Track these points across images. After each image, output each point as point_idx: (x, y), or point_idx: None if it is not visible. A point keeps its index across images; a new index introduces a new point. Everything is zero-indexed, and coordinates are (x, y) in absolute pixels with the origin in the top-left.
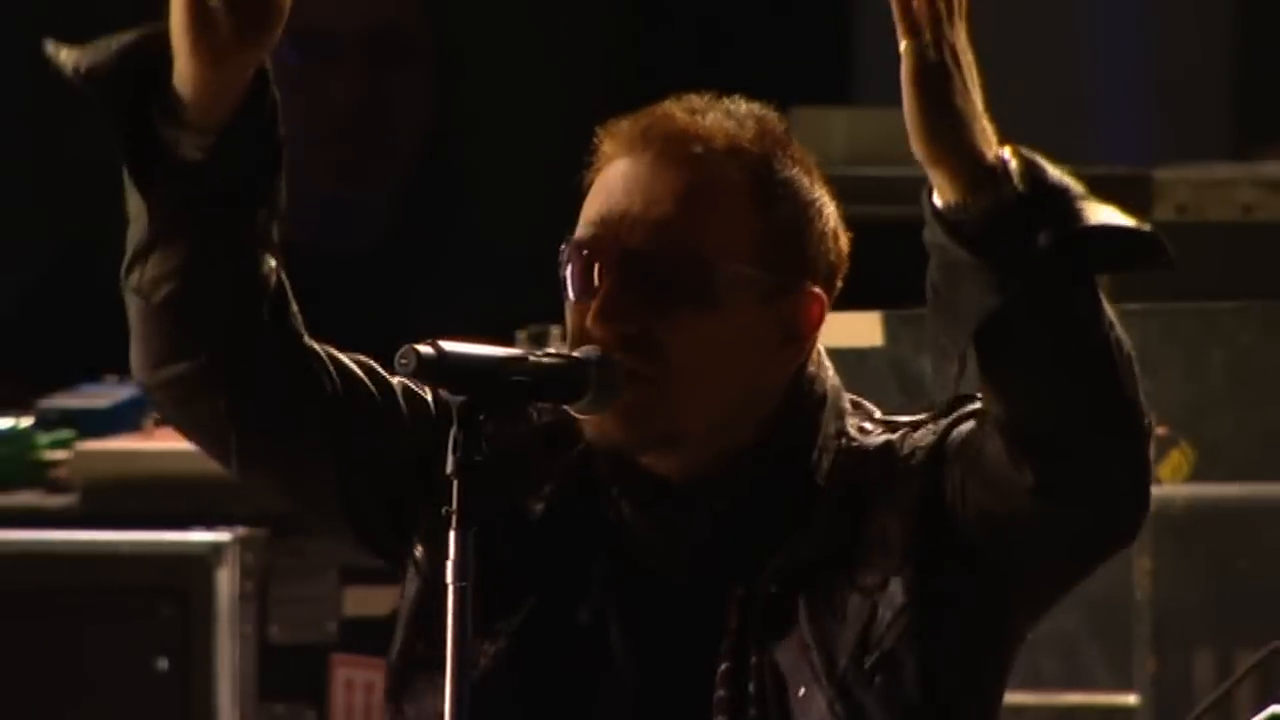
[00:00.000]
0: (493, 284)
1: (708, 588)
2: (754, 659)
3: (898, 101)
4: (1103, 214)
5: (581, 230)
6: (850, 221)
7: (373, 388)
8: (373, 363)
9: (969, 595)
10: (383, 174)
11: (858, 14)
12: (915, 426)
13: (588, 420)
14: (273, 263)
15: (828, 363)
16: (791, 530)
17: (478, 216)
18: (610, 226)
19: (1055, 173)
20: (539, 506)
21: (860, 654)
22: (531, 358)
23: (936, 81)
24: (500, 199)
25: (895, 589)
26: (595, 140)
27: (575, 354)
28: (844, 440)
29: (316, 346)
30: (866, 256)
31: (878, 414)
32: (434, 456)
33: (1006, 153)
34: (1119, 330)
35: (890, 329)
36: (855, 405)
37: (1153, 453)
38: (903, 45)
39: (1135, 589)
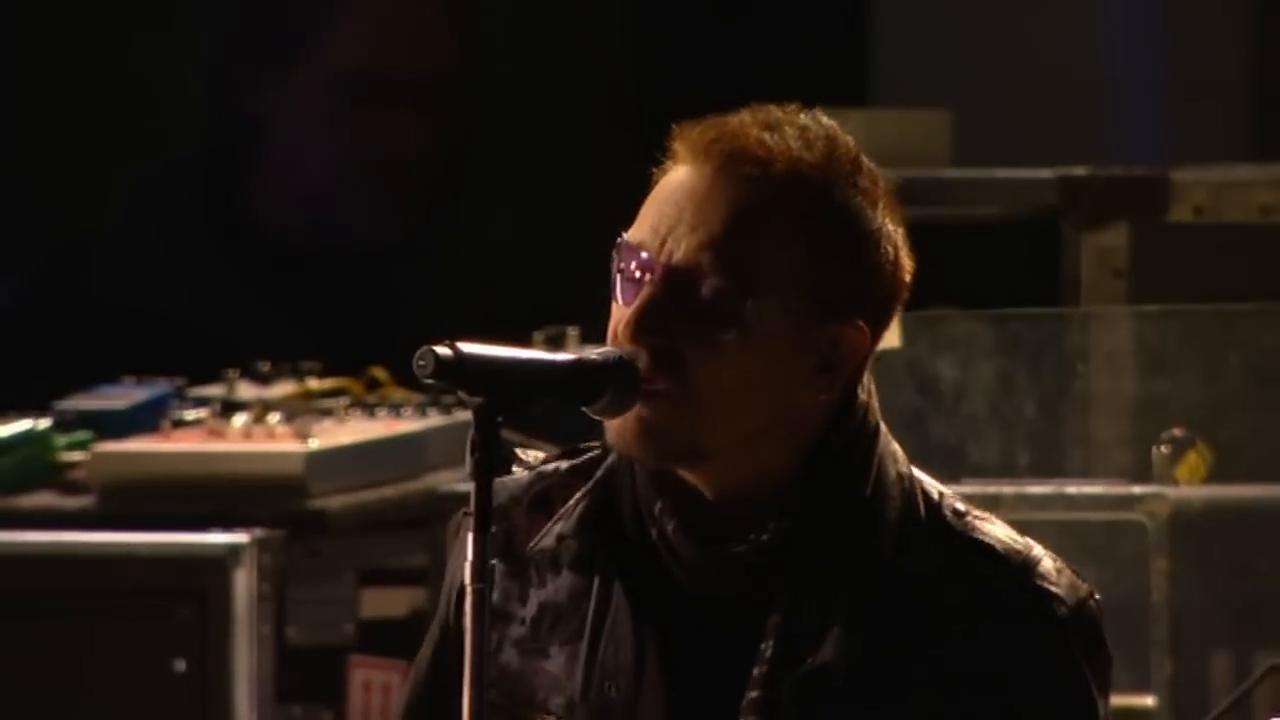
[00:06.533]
0: (510, 285)
1: (744, 610)
2: (786, 693)
3: (915, 103)
4: None
5: (634, 234)
6: None
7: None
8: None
9: None
10: (404, 171)
11: (875, 16)
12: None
13: (610, 429)
14: None
15: (875, 397)
16: (840, 560)
17: (496, 217)
18: (658, 237)
19: None
20: (560, 529)
21: None
22: (549, 359)
23: None
24: (518, 201)
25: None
26: (669, 138)
27: (594, 356)
28: (929, 501)
29: None
30: None
31: (960, 504)
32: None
33: None
34: None
35: (908, 330)
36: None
37: (1172, 454)
38: None
39: (1152, 590)
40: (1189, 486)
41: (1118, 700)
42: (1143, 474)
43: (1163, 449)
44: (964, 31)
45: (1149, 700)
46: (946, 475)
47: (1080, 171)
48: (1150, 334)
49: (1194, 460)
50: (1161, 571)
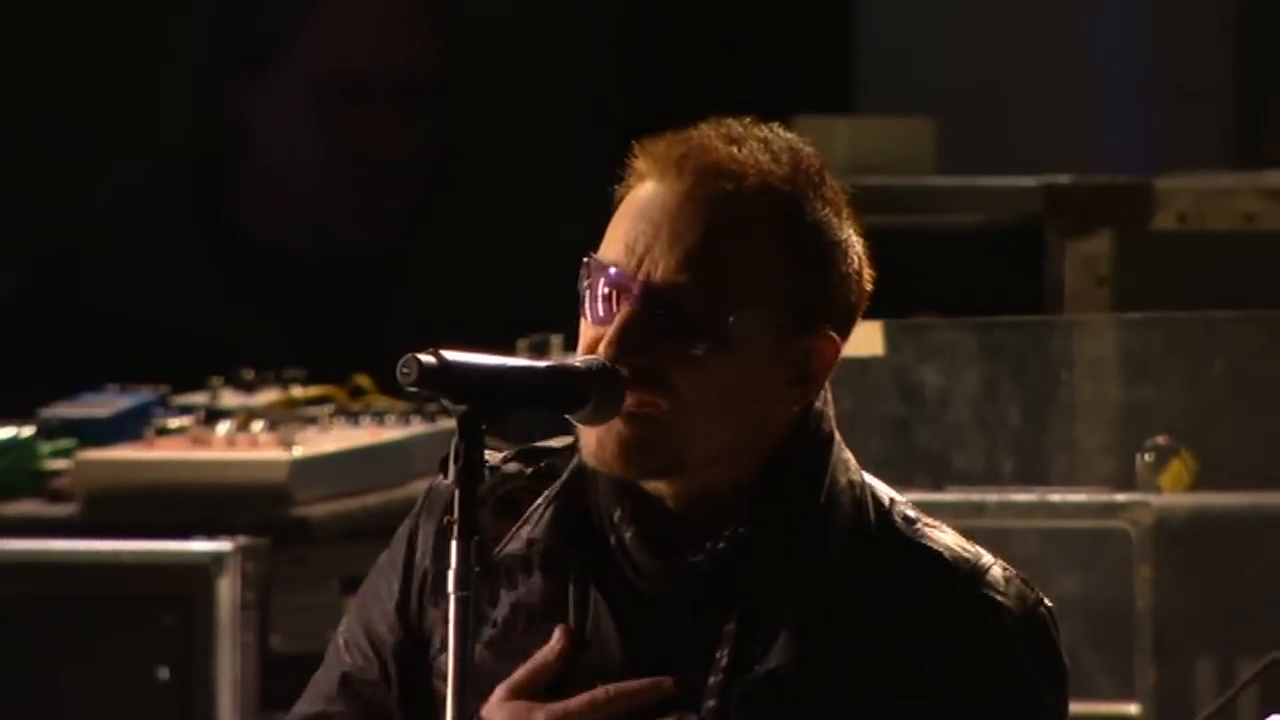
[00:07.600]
0: (494, 292)
1: (703, 618)
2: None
3: (899, 111)
4: None
5: (605, 252)
6: None
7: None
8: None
9: None
10: (387, 176)
11: (860, 24)
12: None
13: (587, 445)
14: None
15: (831, 405)
16: (792, 567)
17: (479, 223)
18: (633, 256)
19: None
20: (529, 533)
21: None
22: (532, 367)
23: None
24: (502, 206)
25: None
26: (630, 155)
27: (576, 363)
28: (880, 508)
29: None
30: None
31: (912, 511)
32: (408, 600)
33: None
34: None
35: (891, 338)
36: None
37: (1156, 461)
38: None
39: (1136, 598)
40: (1173, 494)
41: (1102, 708)
42: (1127, 481)
43: (1147, 456)
44: (947, 39)
45: (1133, 708)
46: (930, 482)
47: (1064, 179)
48: (1134, 341)
49: (1178, 468)
50: (1145, 579)
